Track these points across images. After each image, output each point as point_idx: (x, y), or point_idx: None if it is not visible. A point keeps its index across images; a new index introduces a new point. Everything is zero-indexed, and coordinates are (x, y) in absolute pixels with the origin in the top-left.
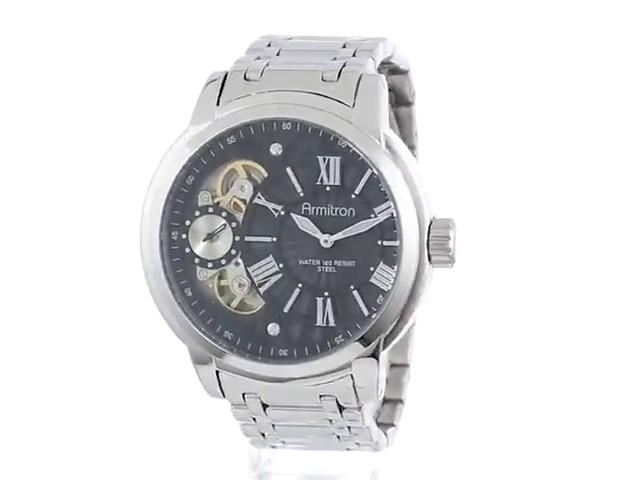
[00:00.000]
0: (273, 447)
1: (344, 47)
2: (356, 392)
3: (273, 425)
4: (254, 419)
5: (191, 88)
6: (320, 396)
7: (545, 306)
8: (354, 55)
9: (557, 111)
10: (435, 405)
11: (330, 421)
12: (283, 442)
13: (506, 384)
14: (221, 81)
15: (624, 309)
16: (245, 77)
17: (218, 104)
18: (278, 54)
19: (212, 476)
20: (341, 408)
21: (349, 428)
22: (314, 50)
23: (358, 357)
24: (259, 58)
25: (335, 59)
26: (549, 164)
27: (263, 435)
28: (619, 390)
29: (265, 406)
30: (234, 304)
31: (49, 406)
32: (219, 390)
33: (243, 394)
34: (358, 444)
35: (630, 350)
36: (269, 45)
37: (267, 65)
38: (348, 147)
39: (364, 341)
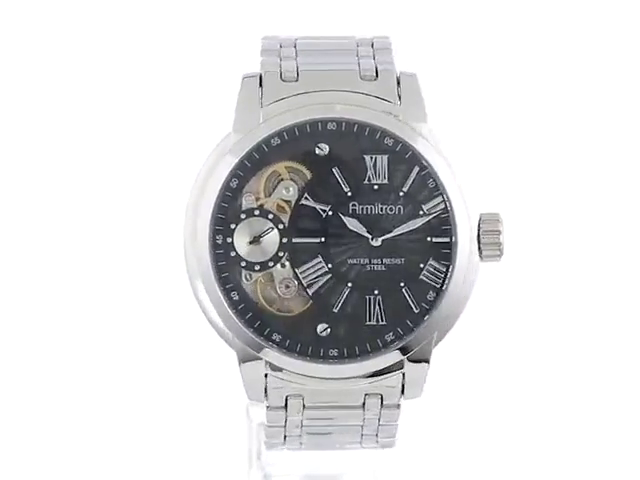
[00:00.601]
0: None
1: (359, 46)
2: (403, 390)
3: (301, 426)
4: (284, 422)
5: (188, 88)
6: (366, 394)
7: (546, 304)
8: (375, 53)
9: (559, 111)
10: (434, 405)
11: (364, 419)
12: (300, 443)
13: (507, 384)
14: (258, 83)
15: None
16: (282, 78)
17: (262, 106)
18: (297, 55)
19: (212, 476)
20: (382, 406)
21: (379, 426)
22: (332, 50)
23: (411, 355)
24: (280, 59)
25: (361, 58)
26: (549, 163)
27: (284, 438)
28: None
29: (304, 407)
30: (277, 306)
31: (48, 406)
32: (263, 393)
33: (287, 396)
34: (377, 442)
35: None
36: (281, 46)
37: (299, 66)
38: (395, 144)
39: (416, 339)
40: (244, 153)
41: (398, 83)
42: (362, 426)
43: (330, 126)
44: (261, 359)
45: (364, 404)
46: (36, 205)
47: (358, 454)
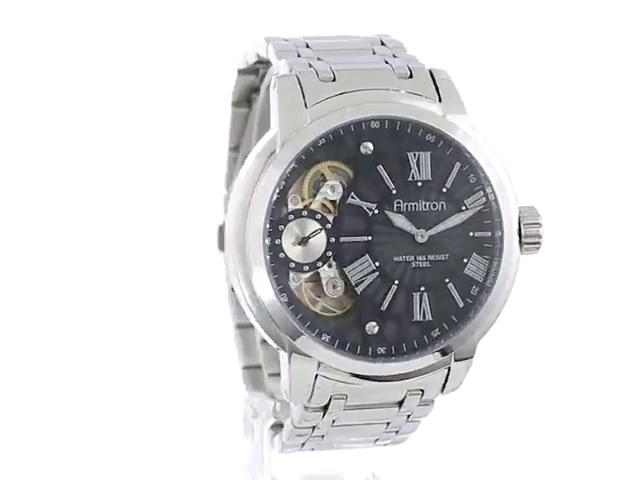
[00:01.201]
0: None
1: (373, 45)
2: (444, 386)
3: (331, 426)
4: (317, 424)
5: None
6: (408, 391)
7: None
8: (393, 52)
9: (562, 110)
10: (434, 404)
11: (396, 416)
12: (318, 444)
13: (508, 383)
14: (297, 83)
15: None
16: (319, 78)
17: (306, 107)
18: (320, 56)
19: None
20: (419, 401)
21: (405, 422)
22: (349, 49)
23: (457, 351)
24: (308, 60)
25: (385, 56)
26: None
27: (303, 443)
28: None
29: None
30: (324, 306)
31: (48, 406)
32: (309, 394)
33: (331, 396)
34: (393, 439)
35: None
36: (297, 47)
37: (332, 66)
38: (437, 140)
39: (461, 334)
40: (294, 155)
41: (433, 80)
42: (388, 423)
43: (373, 125)
44: (314, 360)
45: (403, 400)
46: (41, 205)
47: (358, 454)
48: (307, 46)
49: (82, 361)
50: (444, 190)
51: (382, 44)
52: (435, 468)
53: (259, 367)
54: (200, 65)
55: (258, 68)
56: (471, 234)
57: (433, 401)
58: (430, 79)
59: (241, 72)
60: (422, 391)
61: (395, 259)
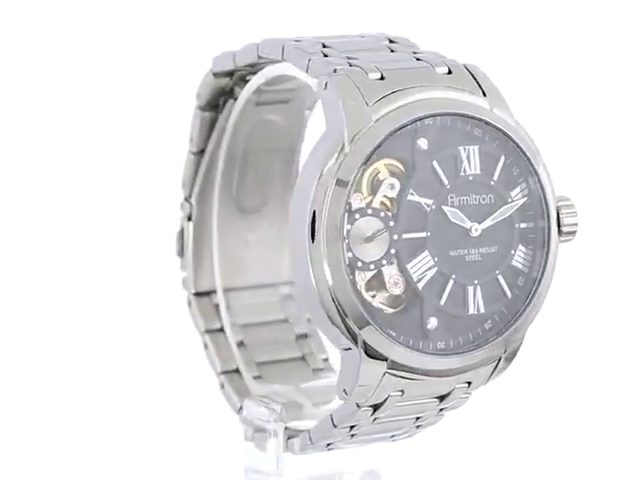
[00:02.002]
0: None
1: (383, 42)
2: (490, 377)
3: (370, 424)
4: (359, 422)
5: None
6: (457, 384)
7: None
8: (413, 49)
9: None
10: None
11: (432, 409)
12: (343, 443)
13: (508, 383)
14: (352, 82)
15: None
16: (368, 77)
17: (367, 105)
18: (348, 57)
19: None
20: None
21: (435, 416)
22: (369, 48)
23: (509, 342)
24: (347, 59)
25: (407, 53)
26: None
27: (329, 444)
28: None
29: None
30: (387, 304)
31: (48, 407)
32: (373, 392)
33: (389, 394)
34: (413, 434)
35: None
36: (324, 46)
37: (377, 65)
38: (484, 134)
39: (511, 326)
40: (365, 154)
41: (471, 75)
42: (418, 417)
43: (427, 121)
44: (384, 359)
45: (448, 394)
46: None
47: (357, 454)
48: (324, 46)
49: (81, 362)
50: (492, 183)
51: (391, 42)
52: (434, 465)
53: (237, 371)
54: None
55: (234, 71)
56: (517, 225)
57: (471, 393)
58: (469, 74)
59: (217, 75)
60: (469, 383)
61: (451, 254)
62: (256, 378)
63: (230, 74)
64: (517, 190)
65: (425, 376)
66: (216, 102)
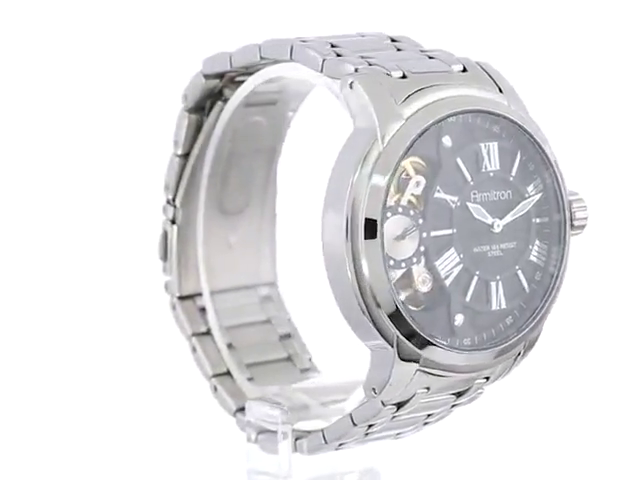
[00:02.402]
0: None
1: (386, 41)
2: (507, 372)
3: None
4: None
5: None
6: (477, 380)
7: None
8: (420, 47)
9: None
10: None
11: (446, 405)
12: (355, 443)
13: (508, 382)
14: (378, 81)
15: None
16: (392, 76)
17: (397, 104)
18: (362, 56)
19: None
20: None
21: (447, 411)
22: (377, 48)
23: (529, 336)
24: (364, 58)
25: (415, 52)
26: None
27: (342, 444)
28: None
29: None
30: (416, 301)
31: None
32: (401, 389)
33: (416, 392)
34: (417, 430)
35: None
36: (332, 46)
37: (397, 64)
38: (501, 130)
39: (529, 321)
40: (400, 153)
41: (485, 72)
42: (430, 414)
43: (451, 119)
44: (420, 354)
45: (467, 390)
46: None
47: (356, 453)
48: (332, 45)
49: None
50: (510, 179)
51: (393, 40)
52: (433, 463)
53: (228, 374)
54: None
55: (226, 73)
56: (533, 220)
57: (484, 389)
58: (484, 72)
59: (208, 76)
60: (487, 379)
61: (475, 250)
62: (250, 380)
63: (221, 76)
64: (533, 185)
65: (453, 372)
66: (203, 104)
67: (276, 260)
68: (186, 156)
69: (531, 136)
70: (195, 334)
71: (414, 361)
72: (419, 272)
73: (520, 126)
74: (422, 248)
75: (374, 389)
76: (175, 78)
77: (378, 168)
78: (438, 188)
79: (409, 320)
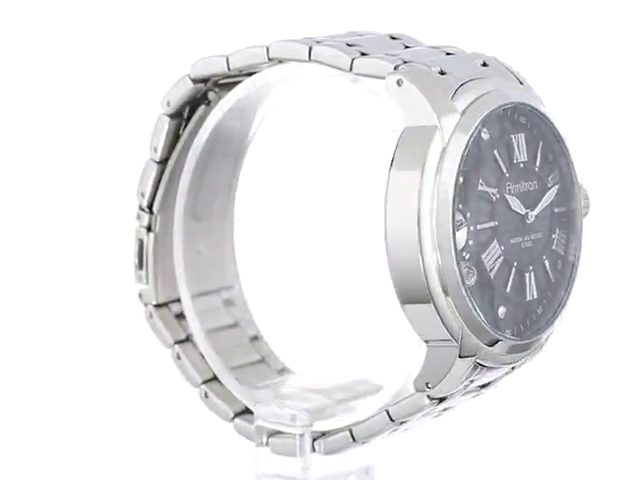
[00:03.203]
0: None
1: (390, 39)
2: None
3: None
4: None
5: None
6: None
7: None
8: (425, 45)
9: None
10: None
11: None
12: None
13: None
14: (427, 77)
15: None
16: (433, 72)
17: (451, 99)
18: (387, 54)
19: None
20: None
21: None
22: (390, 46)
23: (554, 327)
24: (394, 56)
25: (426, 48)
26: None
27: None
28: None
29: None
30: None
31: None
32: (455, 383)
33: (462, 385)
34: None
35: None
36: (348, 45)
37: (433, 59)
38: (527, 121)
39: (557, 309)
40: (462, 147)
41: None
42: (447, 408)
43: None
44: (482, 347)
45: (493, 381)
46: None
47: (353, 455)
48: (348, 45)
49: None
50: (536, 169)
51: (393, 38)
52: (429, 463)
53: (216, 379)
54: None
55: (211, 77)
56: (555, 210)
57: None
58: (502, 65)
59: (196, 80)
60: (513, 368)
61: (512, 241)
62: (239, 383)
63: (206, 79)
64: (553, 175)
65: (501, 364)
66: (184, 109)
67: (237, 264)
68: (164, 162)
69: (553, 126)
70: (177, 341)
71: (472, 355)
72: (465, 265)
73: (545, 117)
74: (471, 242)
75: (427, 384)
76: (138, 86)
77: (446, 164)
78: (481, 181)
79: (479, 317)
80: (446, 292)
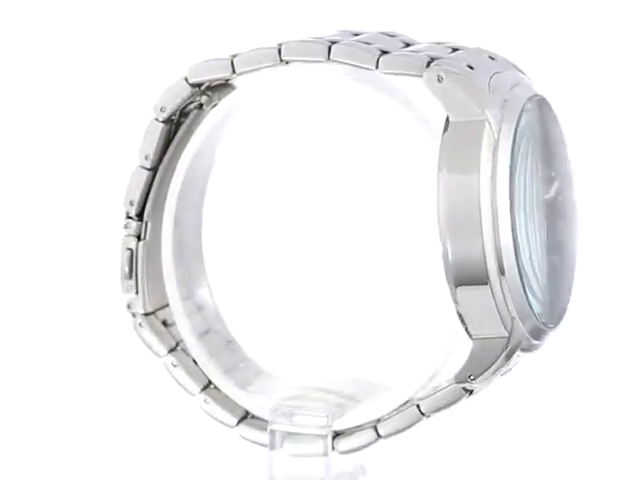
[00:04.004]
0: None
1: (391, 37)
2: None
3: None
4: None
5: None
6: None
7: None
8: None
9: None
10: None
11: None
12: None
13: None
14: (463, 72)
15: None
16: (465, 67)
17: (489, 91)
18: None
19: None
20: None
21: None
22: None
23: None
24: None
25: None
26: None
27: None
28: None
29: None
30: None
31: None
32: (493, 374)
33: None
34: None
35: None
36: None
37: (458, 56)
38: (546, 110)
39: (568, 297)
40: (511, 138)
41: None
42: None
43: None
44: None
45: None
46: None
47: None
48: (366, 43)
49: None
50: (550, 158)
51: (389, 36)
52: (427, 468)
53: (211, 384)
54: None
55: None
56: (559, 198)
57: None
58: (504, 59)
59: (194, 85)
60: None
61: (539, 229)
62: (238, 387)
63: (201, 84)
64: (557, 164)
65: (533, 353)
66: (176, 114)
67: (205, 269)
68: (155, 169)
69: (554, 113)
70: (171, 350)
71: (517, 347)
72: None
73: (549, 103)
74: (517, 224)
75: (470, 376)
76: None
77: (501, 158)
78: (523, 169)
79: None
80: (502, 271)
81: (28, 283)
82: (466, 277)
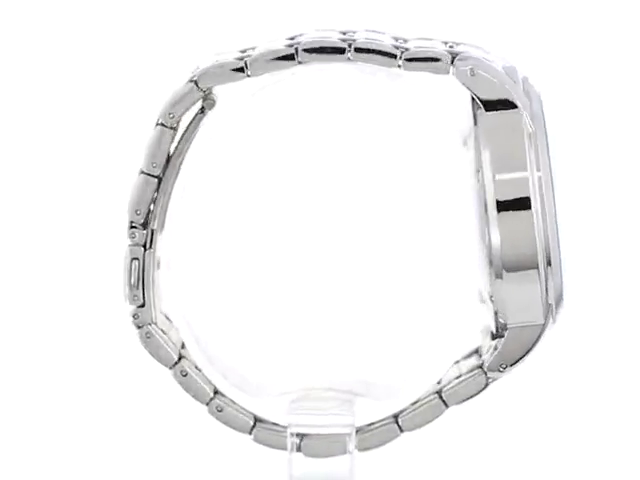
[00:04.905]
0: None
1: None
2: None
3: None
4: None
5: None
6: None
7: None
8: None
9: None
10: None
11: None
12: None
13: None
14: (490, 65)
15: None
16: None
17: (515, 82)
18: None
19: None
20: None
21: None
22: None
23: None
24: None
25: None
26: None
27: None
28: None
29: None
30: None
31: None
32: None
33: None
34: None
35: None
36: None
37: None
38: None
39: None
40: (542, 128)
41: None
42: None
43: None
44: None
45: None
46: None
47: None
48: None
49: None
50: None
51: (378, 33)
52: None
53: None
54: None
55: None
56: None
57: None
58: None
59: (203, 91)
60: None
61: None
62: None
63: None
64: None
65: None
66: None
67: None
68: (161, 176)
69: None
70: (182, 356)
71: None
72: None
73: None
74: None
75: (502, 365)
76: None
77: (538, 144)
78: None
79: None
80: (548, 257)
81: (28, 286)
82: (515, 263)
